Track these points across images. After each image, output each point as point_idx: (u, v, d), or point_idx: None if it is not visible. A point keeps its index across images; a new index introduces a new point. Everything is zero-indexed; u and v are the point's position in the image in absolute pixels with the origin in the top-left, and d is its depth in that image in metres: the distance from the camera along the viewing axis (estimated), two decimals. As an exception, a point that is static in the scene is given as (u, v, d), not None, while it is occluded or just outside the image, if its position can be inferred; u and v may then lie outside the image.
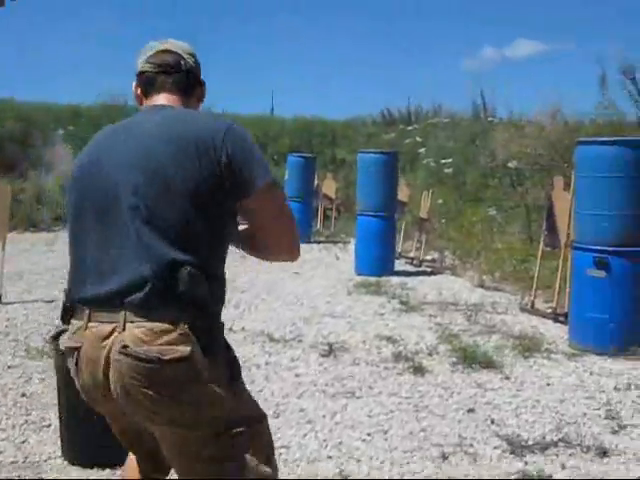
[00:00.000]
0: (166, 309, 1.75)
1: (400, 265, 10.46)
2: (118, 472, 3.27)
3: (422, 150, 16.12)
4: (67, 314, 1.92)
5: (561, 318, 6.89)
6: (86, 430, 3.18)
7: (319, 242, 13.21)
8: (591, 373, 5.28)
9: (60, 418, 3.50)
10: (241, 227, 2.01)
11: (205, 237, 1.83)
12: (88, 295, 1.84)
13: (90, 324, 1.81)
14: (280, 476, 3.42)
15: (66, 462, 3.46)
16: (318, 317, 6.95)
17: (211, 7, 51.21)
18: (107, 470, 3.34)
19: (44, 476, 3.35)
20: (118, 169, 1.85)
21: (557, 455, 3.76)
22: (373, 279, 9.03)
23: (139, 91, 2.04)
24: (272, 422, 4.08)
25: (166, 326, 1.74)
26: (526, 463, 3.65)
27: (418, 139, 16.85)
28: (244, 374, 5.02)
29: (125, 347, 1.73)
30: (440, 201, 12.65)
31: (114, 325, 1.77)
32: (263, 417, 1.95)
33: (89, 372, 1.82)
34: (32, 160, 15.30)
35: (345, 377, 5.03)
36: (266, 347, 5.78)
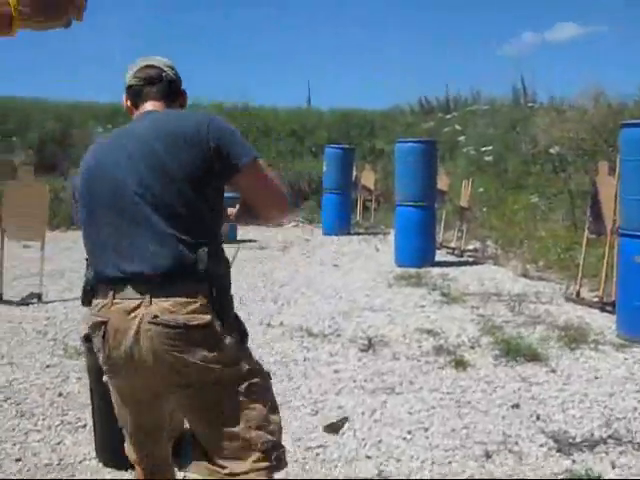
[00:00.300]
0: (186, 285, 2.01)
1: (441, 256, 10.29)
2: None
3: (462, 138, 15.87)
4: (87, 297, 2.14)
5: (608, 307, 6.68)
6: (119, 431, 3.12)
7: (358, 234, 13.10)
8: (641, 365, 5.09)
9: (93, 419, 3.46)
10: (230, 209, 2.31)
11: (207, 216, 2.10)
12: (111, 276, 2.05)
13: (115, 301, 2.03)
14: (317, 477, 3.35)
15: (100, 464, 3.41)
16: (357, 311, 6.83)
17: None
18: (141, 472, 3.28)
19: (78, 478, 3.30)
20: (121, 167, 2.10)
21: (607, 453, 3.59)
22: (413, 270, 8.88)
23: (129, 103, 2.31)
24: (310, 420, 4.03)
25: (188, 299, 1.99)
26: (574, 462, 3.49)
27: (457, 127, 16.60)
28: (282, 370, 4.97)
29: (155, 317, 1.97)
30: (481, 189, 12.43)
31: (139, 301, 2.00)
32: (269, 374, 2.21)
33: (118, 342, 2.02)
34: (73, 159, 15.43)
35: (385, 372, 4.91)
36: (304, 342, 5.69)
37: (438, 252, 10.26)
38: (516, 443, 3.72)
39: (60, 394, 4.36)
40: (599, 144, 10.43)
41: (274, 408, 2.14)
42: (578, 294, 7.29)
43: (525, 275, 8.72)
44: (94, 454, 3.49)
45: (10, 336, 5.79)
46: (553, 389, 4.58)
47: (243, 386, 2.06)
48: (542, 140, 12.07)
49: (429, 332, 5.94)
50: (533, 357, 5.18)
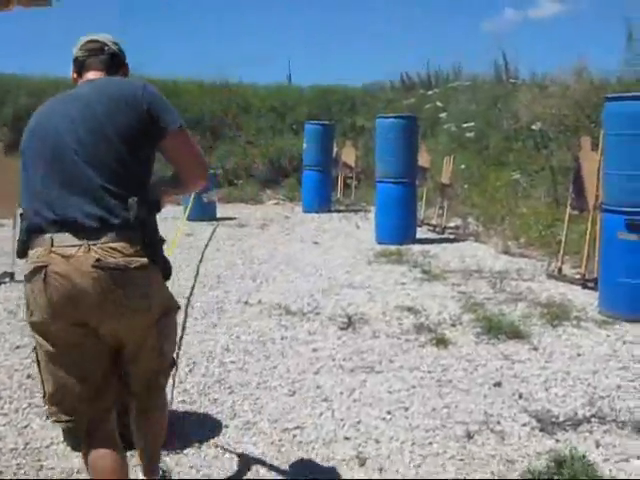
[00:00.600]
0: (122, 231, 2.25)
1: (422, 233, 10.18)
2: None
3: (443, 115, 15.68)
4: (23, 247, 2.33)
5: (590, 284, 6.62)
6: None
7: (339, 211, 12.95)
8: (624, 342, 5.02)
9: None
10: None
11: (139, 173, 2.36)
12: (49, 220, 2.26)
13: (53, 248, 2.23)
14: (294, 459, 3.24)
15: (69, 448, 3.28)
16: (337, 288, 6.71)
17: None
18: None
19: (44, 463, 3.17)
20: (63, 126, 2.33)
21: (590, 432, 3.52)
22: (394, 248, 8.76)
23: (75, 75, 2.58)
24: (286, 400, 3.92)
25: (124, 244, 2.26)
26: (557, 441, 3.42)
27: (439, 104, 16.40)
28: (259, 349, 4.84)
29: (98, 260, 2.21)
30: (462, 166, 12.29)
31: (78, 247, 2.22)
32: (179, 307, 2.65)
33: (59, 284, 2.22)
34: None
35: (364, 351, 4.81)
36: (282, 321, 5.57)
37: (419, 229, 10.15)
38: (498, 422, 3.63)
39: (29, 376, 4.20)
40: (581, 120, 10.32)
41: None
42: (560, 271, 7.21)
43: (506, 252, 8.63)
44: (62, 438, 3.35)
45: (-20, 316, 5.62)
46: (535, 367, 4.50)
47: (168, 315, 2.47)
48: (524, 116, 11.93)
49: (409, 310, 5.84)
50: (515, 335, 5.09)
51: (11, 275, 6.99)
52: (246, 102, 18.04)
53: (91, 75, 2.51)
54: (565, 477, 2.95)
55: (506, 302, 6.12)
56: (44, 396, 2.44)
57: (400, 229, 9.40)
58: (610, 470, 3.11)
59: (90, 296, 2.22)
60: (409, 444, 3.38)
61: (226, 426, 3.58)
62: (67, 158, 2.28)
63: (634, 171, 5.58)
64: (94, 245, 2.22)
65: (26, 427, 3.55)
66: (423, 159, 10.66)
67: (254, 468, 3.16)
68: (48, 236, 2.24)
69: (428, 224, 10.84)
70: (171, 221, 11.53)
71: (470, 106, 15.08)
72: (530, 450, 3.32)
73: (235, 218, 11.91)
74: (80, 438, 2.45)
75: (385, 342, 5.01)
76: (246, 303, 6.12)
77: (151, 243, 2.34)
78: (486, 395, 4.01)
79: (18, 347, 4.85)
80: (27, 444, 3.35)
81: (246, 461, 3.22)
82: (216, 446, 3.35)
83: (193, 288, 6.68)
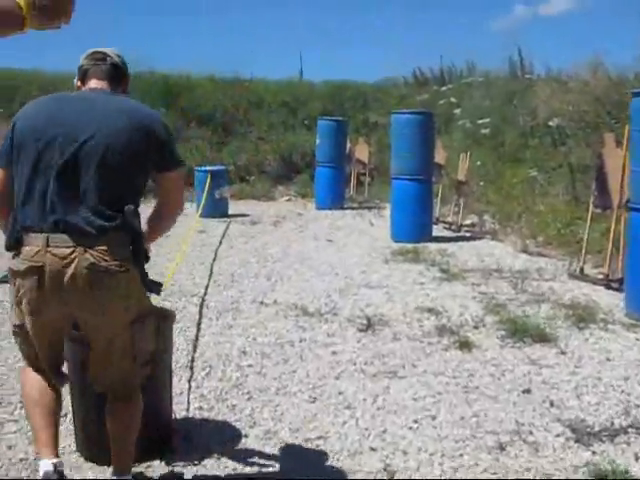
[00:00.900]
0: (114, 238, 2.44)
1: (438, 230, 9.98)
2: (138, 471, 2.95)
3: (457, 111, 15.47)
4: (15, 242, 2.48)
5: (614, 284, 6.43)
6: (103, 425, 2.84)
7: (352, 208, 12.76)
8: (655, 346, 4.84)
9: (73, 410, 3.18)
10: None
11: (137, 190, 2.58)
12: (49, 223, 2.41)
13: (49, 248, 2.39)
14: (319, 470, 3.08)
15: (82, 459, 3.13)
16: (354, 288, 6.55)
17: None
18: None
19: (57, 475, 3.02)
20: (83, 131, 2.47)
21: (628, 444, 3.35)
22: (410, 246, 8.59)
23: (79, 83, 2.73)
24: (308, 408, 3.76)
25: (116, 249, 2.45)
26: (594, 453, 3.25)
27: (453, 100, 16.19)
28: (277, 352, 4.68)
29: (92, 264, 2.40)
30: (478, 163, 12.10)
31: (73, 249, 2.40)
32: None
33: (52, 283, 2.41)
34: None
35: (386, 354, 4.65)
36: (300, 322, 5.41)
37: (435, 227, 9.95)
38: (530, 432, 3.47)
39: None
40: (602, 116, 10.10)
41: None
42: (582, 271, 7.03)
43: (525, 251, 8.44)
44: (75, 447, 3.21)
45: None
46: (564, 372, 4.33)
47: (143, 318, 2.61)
48: (542, 112, 11.72)
49: (430, 311, 5.67)
50: (541, 337, 4.92)
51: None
52: (258, 97, 17.86)
53: (93, 84, 2.68)
54: (607, 494, 2.79)
55: (529, 303, 5.94)
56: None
57: (416, 227, 9.21)
58: (653, 486, 2.95)
59: (79, 295, 2.42)
60: (439, 455, 3.22)
61: (246, 435, 3.43)
62: (79, 164, 2.44)
63: (664, 168, 5.40)
64: (90, 249, 2.40)
65: (37, 435, 3.40)
66: (439, 156, 10.46)
67: (277, 481, 3.01)
68: (44, 235, 2.40)
69: (443, 222, 10.65)
70: (182, 217, 11.49)
71: (484, 102, 14.86)
72: (567, 463, 3.15)
73: (247, 215, 11.74)
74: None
75: (407, 345, 4.84)
76: (262, 303, 5.97)
77: (139, 250, 2.53)
78: (515, 403, 3.84)
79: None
80: (38, 453, 3.19)
81: (268, 474, 3.06)
82: (236, 458, 3.19)
83: (207, 287, 6.55)
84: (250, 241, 9.30)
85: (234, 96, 17.49)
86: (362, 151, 14.20)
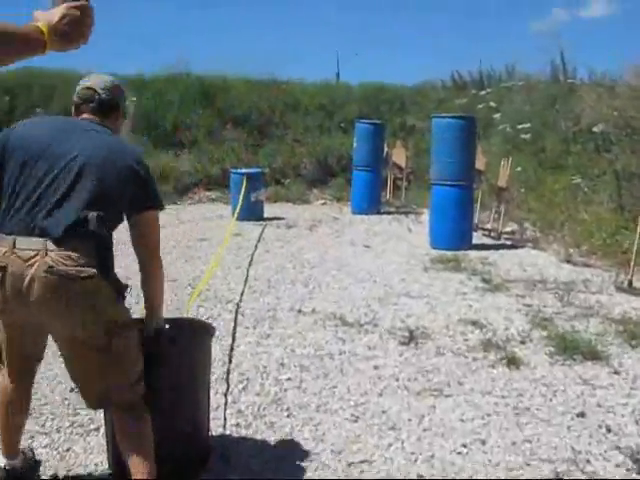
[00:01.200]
0: (77, 242, 2.45)
1: (477, 238, 9.73)
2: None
3: (497, 115, 15.19)
4: None
5: (667, 299, 6.17)
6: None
7: (389, 213, 12.55)
8: None
9: (106, 431, 3.04)
10: None
11: (110, 212, 2.57)
12: (14, 227, 2.47)
13: (15, 250, 2.43)
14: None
15: (113, 477, 2.99)
16: (394, 297, 6.35)
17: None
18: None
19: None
20: (65, 144, 2.58)
21: (697, 477, 3.13)
22: (450, 253, 8.37)
23: (74, 114, 2.84)
24: (350, 427, 3.57)
25: (78, 254, 2.44)
26: (659, 487, 3.03)
27: (492, 104, 15.88)
28: (317, 365, 4.50)
29: (51, 267, 2.41)
30: (518, 169, 11.81)
31: (36, 251, 2.42)
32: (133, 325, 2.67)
33: (13, 285, 2.43)
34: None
35: (430, 370, 4.45)
36: (339, 332, 5.23)
37: (474, 234, 9.72)
38: (588, 461, 3.26)
39: (72, 389, 3.92)
40: (651, 123, 9.79)
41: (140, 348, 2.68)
42: (630, 283, 6.76)
43: (569, 261, 8.17)
44: (107, 465, 3.07)
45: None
46: (620, 394, 4.10)
47: (116, 333, 2.52)
48: (587, 117, 11.40)
49: (474, 323, 5.46)
50: (592, 355, 4.70)
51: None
52: (294, 99, 17.73)
53: (85, 116, 2.79)
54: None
55: (577, 317, 5.70)
56: None
57: (456, 234, 8.98)
58: None
59: (38, 298, 2.42)
60: (491, 485, 3.03)
61: (285, 457, 3.26)
62: (60, 177, 2.51)
63: None
64: (51, 252, 2.41)
65: (68, 450, 3.28)
66: (479, 161, 10.22)
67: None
68: (12, 238, 2.45)
69: (482, 228, 10.41)
70: (217, 220, 11.37)
71: (525, 107, 14.56)
72: (630, 497, 2.95)
73: (283, 218, 11.60)
74: None
75: (451, 360, 4.64)
76: (299, 311, 5.80)
77: (105, 258, 2.53)
78: (570, 427, 3.63)
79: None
80: (69, 471, 3.07)
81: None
82: (276, 481, 3.03)
83: (242, 294, 6.40)
84: (286, 245, 9.14)
85: (270, 98, 17.37)
86: (399, 155, 13.99)
